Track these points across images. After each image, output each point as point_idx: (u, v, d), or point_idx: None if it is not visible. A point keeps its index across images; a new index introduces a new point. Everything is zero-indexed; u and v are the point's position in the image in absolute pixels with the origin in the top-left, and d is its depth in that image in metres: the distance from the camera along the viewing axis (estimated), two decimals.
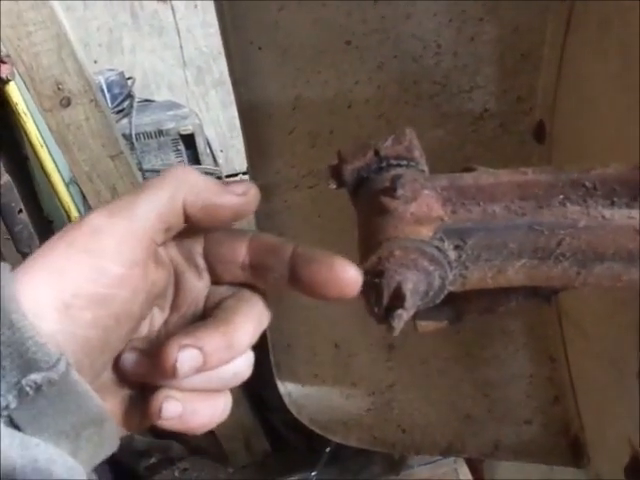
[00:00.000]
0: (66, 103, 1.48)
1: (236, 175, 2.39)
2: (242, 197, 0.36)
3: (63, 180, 1.75)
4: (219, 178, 2.33)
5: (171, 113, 2.18)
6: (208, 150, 2.23)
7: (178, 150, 2.16)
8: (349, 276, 0.34)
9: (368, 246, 0.36)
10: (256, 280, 0.37)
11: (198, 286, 0.37)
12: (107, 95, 2.17)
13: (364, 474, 2.00)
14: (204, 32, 2.39)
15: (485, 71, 0.73)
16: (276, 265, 0.35)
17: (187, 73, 2.48)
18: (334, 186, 0.43)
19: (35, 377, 0.28)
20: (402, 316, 0.35)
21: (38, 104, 1.50)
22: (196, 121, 2.15)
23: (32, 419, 0.28)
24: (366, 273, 0.35)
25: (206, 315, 0.36)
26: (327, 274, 0.34)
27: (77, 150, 1.54)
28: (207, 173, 2.20)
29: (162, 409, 0.32)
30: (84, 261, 0.31)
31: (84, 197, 1.74)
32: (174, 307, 0.38)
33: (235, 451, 2.21)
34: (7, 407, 0.27)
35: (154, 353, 0.33)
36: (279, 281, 0.35)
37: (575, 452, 0.70)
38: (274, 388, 0.84)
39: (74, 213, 1.78)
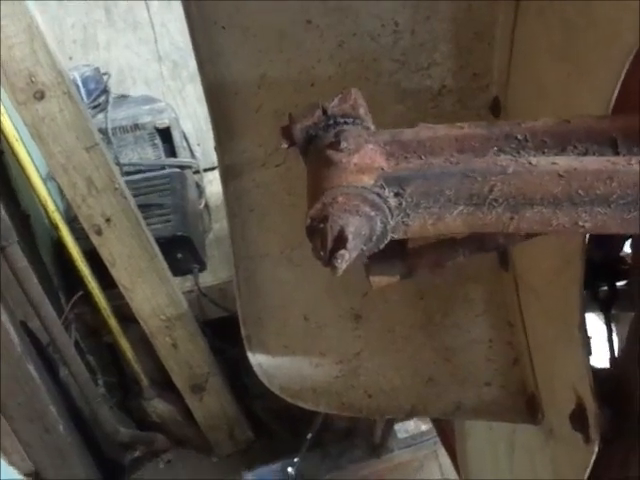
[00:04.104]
0: (40, 96, 1.49)
1: (214, 169, 2.40)
2: None
3: (39, 174, 1.75)
4: (197, 172, 2.34)
5: (147, 107, 2.18)
6: (185, 143, 2.24)
7: (155, 144, 2.17)
8: None
9: (314, 195, 0.39)
10: None
11: None
12: (82, 90, 2.17)
13: (346, 458, 2.03)
14: (179, 26, 2.39)
15: (442, 49, 0.75)
16: None
17: (163, 68, 2.48)
18: (286, 145, 0.45)
19: None
20: (344, 256, 0.37)
21: (12, 98, 1.50)
22: (172, 115, 2.17)
23: None
24: (312, 219, 0.38)
25: None
26: None
27: (52, 142, 1.54)
28: (184, 166, 2.22)
29: None
30: None
31: (62, 192, 1.75)
32: None
33: (219, 441, 2.23)
34: None
35: None
36: None
37: (531, 410, 0.73)
38: (255, 375, 0.86)
39: (51, 207, 1.78)
